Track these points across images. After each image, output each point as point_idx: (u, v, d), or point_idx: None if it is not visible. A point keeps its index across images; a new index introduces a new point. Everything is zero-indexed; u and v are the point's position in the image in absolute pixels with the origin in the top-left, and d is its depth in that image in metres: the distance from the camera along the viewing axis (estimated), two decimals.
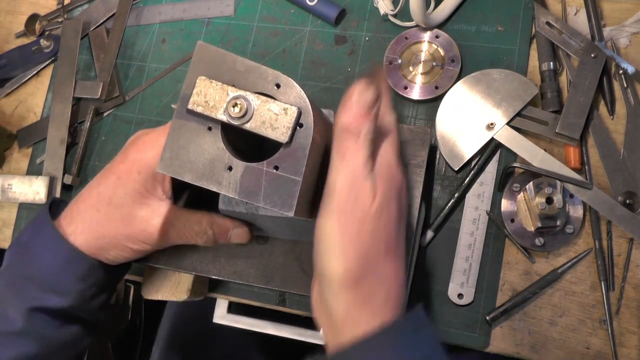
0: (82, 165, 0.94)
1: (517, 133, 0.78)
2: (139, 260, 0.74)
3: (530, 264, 0.76)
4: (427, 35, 0.85)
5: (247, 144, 0.60)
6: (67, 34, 0.98)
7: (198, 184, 0.54)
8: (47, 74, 1.02)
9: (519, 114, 0.78)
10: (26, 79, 1.02)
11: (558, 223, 0.73)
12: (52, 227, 0.67)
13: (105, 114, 0.96)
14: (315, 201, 0.62)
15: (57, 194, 0.92)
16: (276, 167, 0.53)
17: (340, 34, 0.90)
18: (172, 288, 0.80)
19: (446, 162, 0.80)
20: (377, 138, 0.58)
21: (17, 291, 0.66)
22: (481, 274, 0.77)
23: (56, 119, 0.94)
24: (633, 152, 0.76)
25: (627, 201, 0.74)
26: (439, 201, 0.80)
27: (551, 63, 0.80)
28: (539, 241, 0.75)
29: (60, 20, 1.02)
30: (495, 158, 0.80)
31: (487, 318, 0.74)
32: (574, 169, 0.76)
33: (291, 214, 0.53)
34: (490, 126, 0.78)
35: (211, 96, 0.53)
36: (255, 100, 0.53)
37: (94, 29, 1.01)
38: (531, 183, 0.74)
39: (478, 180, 0.79)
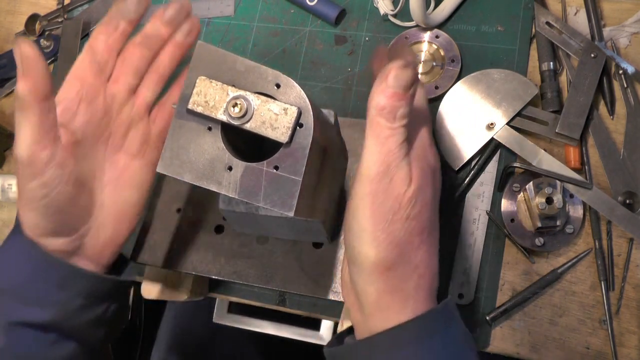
0: None
1: (517, 133, 0.78)
2: (138, 262, 0.75)
3: (530, 264, 0.76)
4: (427, 35, 0.85)
5: (247, 144, 0.60)
6: (67, 34, 0.98)
7: (198, 184, 0.54)
8: None
9: (519, 114, 0.78)
10: None
11: (558, 223, 0.73)
12: (19, 234, 0.62)
13: None
14: (316, 201, 0.62)
15: None
16: (276, 167, 0.54)
17: (340, 34, 0.90)
18: (172, 288, 0.80)
19: (446, 162, 0.80)
20: (412, 119, 0.56)
21: None
22: (481, 274, 0.77)
23: None
24: (633, 152, 0.76)
25: (627, 201, 0.74)
26: None
27: (551, 63, 0.80)
28: (539, 241, 0.75)
29: (60, 20, 1.02)
30: (495, 158, 0.80)
31: (487, 318, 0.74)
32: (574, 169, 0.76)
33: (291, 214, 0.53)
34: (490, 126, 0.78)
35: (211, 96, 0.53)
36: (255, 100, 0.53)
37: (94, 29, 1.01)
38: (531, 183, 0.74)
39: (478, 180, 0.79)
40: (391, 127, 0.53)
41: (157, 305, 1.17)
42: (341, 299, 0.70)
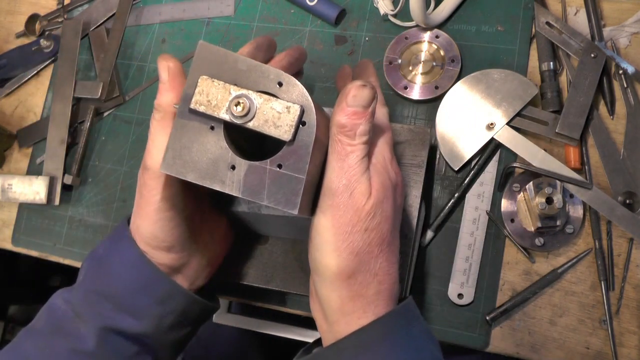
0: (82, 165, 0.94)
1: (517, 133, 0.78)
2: None
3: (530, 264, 0.76)
4: (427, 35, 0.85)
5: (250, 143, 0.60)
6: (67, 34, 0.98)
7: (201, 184, 0.54)
8: (47, 74, 1.02)
9: (519, 114, 0.78)
10: (26, 79, 1.02)
11: (558, 223, 0.73)
12: (130, 241, 0.64)
13: (105, 114, 0.96)
14: (317, 199, 0.62)
15: (57, 194, 0.92)
16: (279, 166, 0.53)
17: (340, 34, 0.90)
18: None
19: (446, 162, 0.80)
20: (372, 136, 0.58)
21: (91, 308, 0.63)
22: (481, 274, 0.77)
23: (56, 119, 0.94)
24: (633, 152, 0.76)
25: (627, 201, 0.75)
26: (439, 201, 0.80)
27: (551, 63, 0.80)
28: (539, 241, 0.75)
29: (60, 20, 1.02)
30: (495, 158, 0.80)
31: (487, 318, 0.74)
32: (574, 169, 0.76)
33: (295, 212, 0.53)
34: (490, 126, 0.79)
35: (213, 95, 0.53)
36: (257, 98, 0.53)
37: (94, 29, 1.01)
38: (531, 183, 0.74)
39: (478, 180, 0.79)
40: (351, 143, 0.56)
41: None
42: None
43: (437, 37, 0.85)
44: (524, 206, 0.77)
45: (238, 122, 0.53)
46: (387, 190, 0.58)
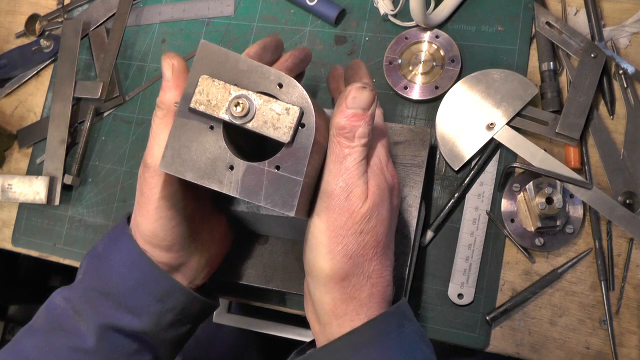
0: (82, 165, 0.94)
1: (517, 133, 0.78)
2: None
3: (530, 264, 0.76)
4: (427, 35, 0.85)
5: (249, 143, 0.60)
6: (67, 34, 0.98)
7: (199, 183, 0.54)
8: (47, 74, 1.02)
9: (519, 114, 0.78)
10: (26, 79, 1.02)
11: (558, 223, 0.73)
12: (130, 239, 0.65)
13: (105, 114, 0.96)
14: (316, 201, 0.62)
15: (57, 194, 0.92)
16: (277, 167, 0.53)
17: (340, 34, 0.90)
18: None
19: (446, 162, 0.80)
20: (371, 138, 0.58)
21: (91, 306, 0.63)
22: (481, 274, 0.77)
23: (56, 119, 0.94)
24: (633, 152, 0.76)
25: (627, 201, 0.75)
26: (439, 201, 0.80)
27: (551, 63, 0.80)
28: (539, 241, 0.75)
29: (60, 20, 1.02)
30: (495, 158, 0.80)
31: (487, 318, 0.74)
32: (574, 169, 0.76)
33: (292, 213, 0.53)
34: (490, 126, 0.79)
35: (213, 95, 0.53)
36: (257, 99, 0.53)
37: (94, 29, 1.01)
38: (531, 183, 0.74)
39: (478, 180, 0.79)
40: (350, 145, 0.56)
41: None
42: None
43: (437, 37, 0.85)
44: (524, 206, 0.77)
45: (237, 122, 0.53)
46: (384, 193, 0.58)
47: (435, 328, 0.77)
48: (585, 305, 0.74)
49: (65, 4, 1.04)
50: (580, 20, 0.82)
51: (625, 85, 0.78)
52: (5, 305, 2.10)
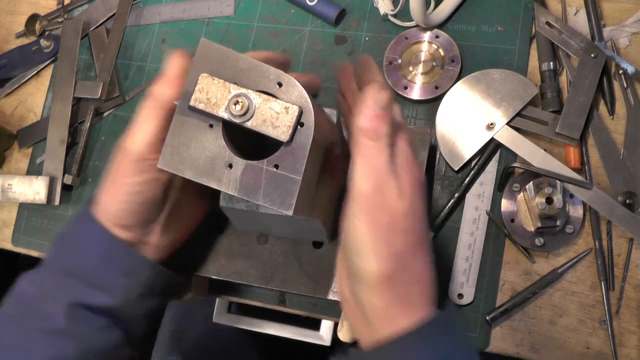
0: (82, 165, 0.94)
1: (517, 133, 0.78)
2: None
3: (530, 264, 0.76)
4: (427, 35, 0.85)
5: (248, 142, 0.60)
6: (67, 34, 0.98)
7: (198, 181, 0.54)
8: (47, 74, 1.02)
9: (519, 114, 0.78)
10: (26, 79, 1.02)
11: (558, 223, 0.73)
12: (92, 217, 0.65)
13: (105, 114, 0.96)
14: (316, 200, 0.62)
15: (57, 194, 0.92)
16: (276, 166, 0.53)
17: (340, 34, 0.90)
18: None
19: (446, 162, 0.80)
20: (392, 136, 0.58)
21: (58, 286, 0.64)
22: (481, 274, 0.77)
23: (56, 119, 0.94)
24: (633, 152, 0.76)
25: (627, 201, 0.75)
26: (439, 201, 0.80)
27: (551, 63, 0.80)
28: (539, 241, 0.75)
29: (60, 20, 1.02)
30: (495, 158, 0.80)
31: (487, 318, 0.74)
32: (574, 169, 0.76)
33: (290, 212, 0.53)
34: (490, 126, 0.79)
35: (213, 93, 0.53)
36: (256, 98, 0.53)
37: (94, 29, 1.01)
38: (531, 183, 0.74)
39: (478, 180, 0.79)
40: (376, 145, 0.56)
41: None
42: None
43: (437, 37, 0.85)
44: (524, 206, 0.77)
45: (236, 120, 0.53)
46: (416, 188, 0.58)
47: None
48: (585, 305, 0.74)
49: (65, 4, 1.04)
50: (580, 20, 0.82)
51: (625, 85, 0.78)
52: None
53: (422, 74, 0.84)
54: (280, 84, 0.54)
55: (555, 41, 0.81)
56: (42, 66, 1.02)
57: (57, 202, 0.92)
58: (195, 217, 0.73)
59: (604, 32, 0.81)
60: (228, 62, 0.55)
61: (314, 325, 0.91)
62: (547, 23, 0.81)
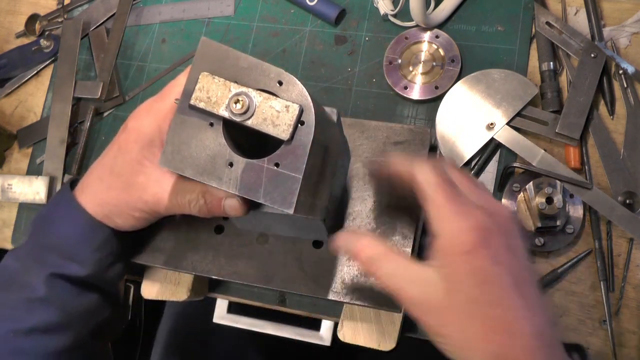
0: (82, 165, 0.94)
1: (517, 133, 0.78)
2: (138, 262, 0.75)
3: None
4: (427, 35, 0.85)
5: (249, 141, 0.60)
6: (67, 34, 0.98)
7: (199, 179, 0.54)
8: (47, 74, 1.01)
9: (519, 114, 0.78)
10: (26, 79, 1.02)
11: (558, 223, 0.73)
12: (71, 199, 0.70)
13: (105, 114, 0.96)
14: (317, 199, 0.62)
15: None
16: (277, 164, 0.53)
17: (340, 34, 0.90)
18: (172, 288, 0.80)
19: None
20: None
21: (38, 260, 0.69)
22: None
23: (56, 119, 0.94)
24: (633, 152, 0.76)
25: (627, 201, 0.75)
26: None
27: (551, 63, 0.80)
28: (539, 241, 0.75)
29: (60, 20, 1.02)
30: (495, 158, 0.80)
31: None
32: (574, 169, 0.76)
33: (291, 211, 0.53)
34: (490, 126, 0.79)
35: (213, 92, 0.53)
36: (257, 97, 0.53)
37: (94, 29, 1.01)
38: (531, 183, 0.74)
39: (478, 180, 0.79)
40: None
41: (157, 305, 1.17)
42: (341, 299, 0.70)
43: (437, 37, 0.85)
44: (524, 206, 0.77)
45: (237, 119, 0.53)
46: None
47: None
48: (585, 305, 0.74)
49: (65, 4, 1.04)
50: (580, 20, 0.82)
51: (625, 85, 0.78)
52: None
53: (422, 74, 0.84)
54: (280, 83, 0.54)
55: (555, 41, 0.81)
56: (42, 66, 1.01)
57: None
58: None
59: (604, 32, 0.81)
60: (228, 61, 0.55)
61: (314, 325, 0.91)
62: (547, 23, 0.81)
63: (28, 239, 0.72)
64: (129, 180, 0.67)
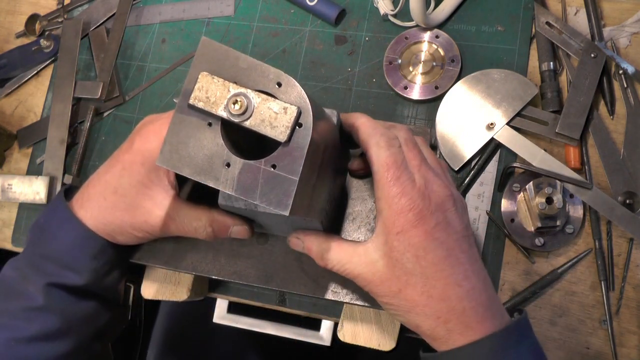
0: (82, 165, 0.94)
1: (517, 133, 0.78)
2: (138, 262, 0.75)
3: (530, 264, 0.76)
4: (427, 35, 0.85)
5: (247, 141, 0.60)
6: (67, 34, 0.98)
7: (196, 179, 0.54)
8: (47, 74, 1.01)
9: (519, 114, 0.78)
10: (26, 79, 1.02)
11: (558, 223, 0.73)
12: (66, 209, 0.70)
13: (105, 114, 0.96)
14: (314, 200, 0.62)
15: None
16: (274, 166, 0.53)
17: (340, 34, 0.90)
18: (172, 288, 0.80)
19: (446, 162, 0.80)
20: None
21: (36, 269, 0.69)
22: None
23: (56, 119, 0.94)
24: (633, 152, 0.76)
25: (627, 201, 0.74)
26: None
27: (551, 63, 0.80)
28: (539, 241, 0.75)
29: (60, 20, 1.02)
30: (495, 158, 0.80)
31: None
32: (574, 169, 0.76)
33: (286, 213, 0.53)
34: (490, 126, 0.78)
35: (212, 92, 0.53)
36: (255, 98, 0.53)
37: (94, 29, 1.01)
38: (531, 183, 0.74)
39: (478, 180, 0.79)
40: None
41: (157, 305, 1.17)
42: (341, 299, 0.70)
43: (437, 37, 0.85)
44: (524, 206, 0.76)
45: (235, 120, 0.53)
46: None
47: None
48: (585, 305, 0.74)
49: (65, 4, 1.04)
50: (580, 20, 0.82)
51: (625, 85, 0.78)
52: None
53: (422, 74, 0.84)
54: (279, 84, 0.54)
55: (555, 41, 0.81)
56: (42, 66, 1.01)
57: None
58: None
59: (604, 32, 0.81)
60: (228, 61, 0.55)
61: (314, 325, 0.91)
62: (547, 23, 0.81)
63: (25, 248, 0.73)
64: (134, 203, 0.67)
